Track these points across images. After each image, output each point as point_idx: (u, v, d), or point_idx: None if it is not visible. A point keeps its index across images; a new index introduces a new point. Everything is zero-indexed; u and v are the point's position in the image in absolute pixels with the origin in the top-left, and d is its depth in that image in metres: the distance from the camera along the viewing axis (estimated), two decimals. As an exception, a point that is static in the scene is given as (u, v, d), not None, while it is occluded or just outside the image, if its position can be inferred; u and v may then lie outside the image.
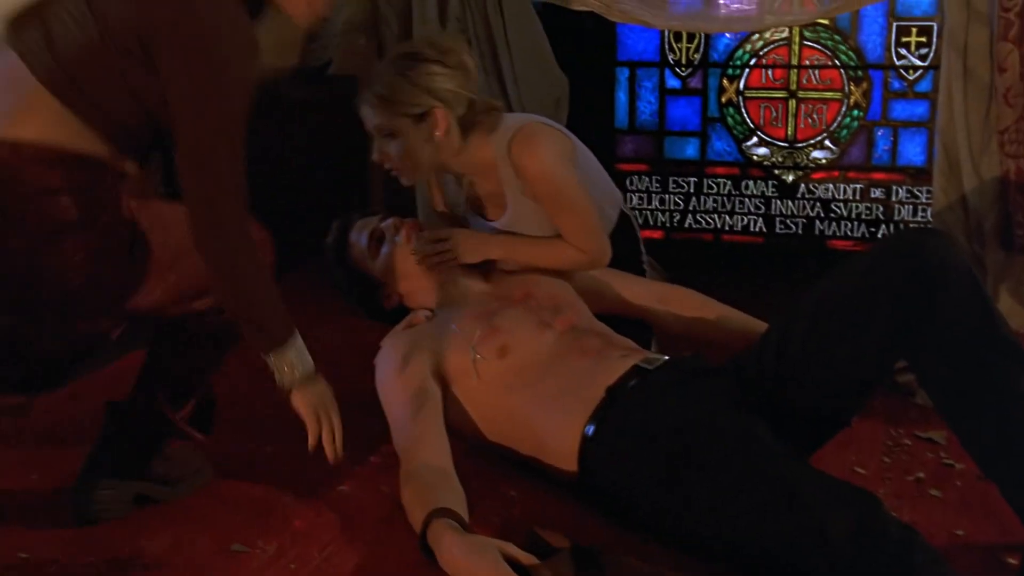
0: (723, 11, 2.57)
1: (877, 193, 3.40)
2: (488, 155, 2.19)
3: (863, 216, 3.43)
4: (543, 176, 2.15)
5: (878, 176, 3.40)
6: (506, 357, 1.99)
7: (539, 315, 2.07)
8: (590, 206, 2.20)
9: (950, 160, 2.36)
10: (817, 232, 3.48)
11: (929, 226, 1.73)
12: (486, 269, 2.28)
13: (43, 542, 1.78)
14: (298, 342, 1.75)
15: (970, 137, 2.30)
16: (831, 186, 3.45)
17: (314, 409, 1.78)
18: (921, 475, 2.01)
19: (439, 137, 2.13)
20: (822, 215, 3.47)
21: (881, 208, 3.40)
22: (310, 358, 1.79)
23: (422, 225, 2.22)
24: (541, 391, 1.94)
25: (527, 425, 1.95)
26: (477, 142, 2.19)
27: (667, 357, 1.97)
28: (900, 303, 1.69)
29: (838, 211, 3.45)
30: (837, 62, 3.37)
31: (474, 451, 2.08)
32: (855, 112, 3.39)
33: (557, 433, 1.90)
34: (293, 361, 1.74)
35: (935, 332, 1.67)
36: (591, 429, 1.83)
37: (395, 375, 2.01)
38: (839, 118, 3.41)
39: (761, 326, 2.16)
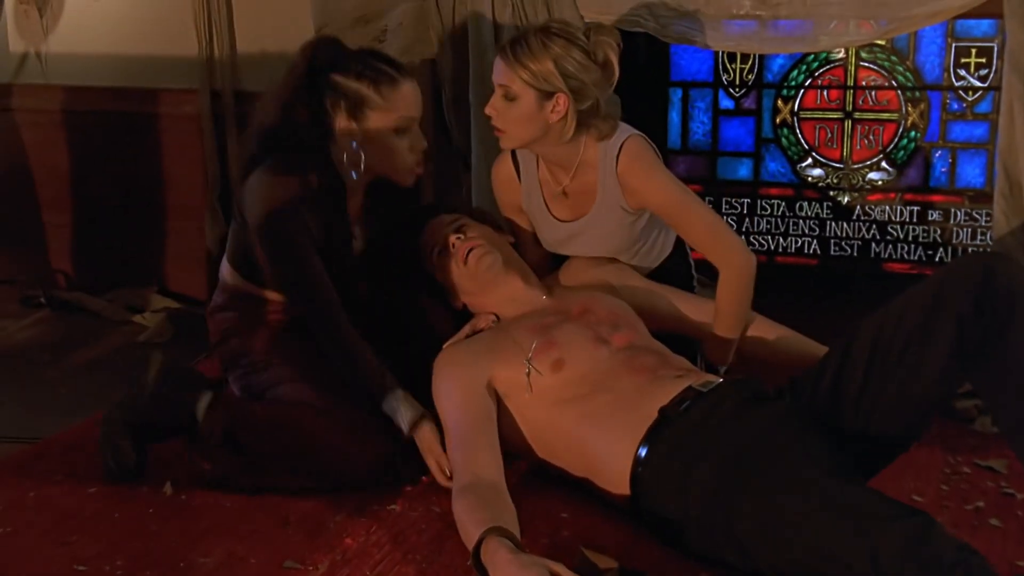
0: (778, 32, 2.55)
1: (935, 215, 3.36)
2: (591, 158, 2.26)
3: (920, 239, 3.38)
4: (668, 200, 2.25)
5: (936, 198, 3.36)
6: (560, 371, 2.00)
7: (597, 331, 2.07)
8: (704, 206, 2.30)
9: (1011, 183, 2.33)
10: (873, 255, 3.44)
11: (992, 251, 1.70)
12: (548, 283, 2.30)
13: (99, 555, 1.81)
14: (397, 395, 2.07)
15: (1033, 158, 2.28)
16: (887, 208, 3.41)
17: (426, 452, 2.05)
18: (981, 504, 1.98)
19: (553, 120, 2.19)
20: (878, 237, 3.44)
21: (939, 231, 3.35)
22: (416, 405, 2.07)
23: (486, 246, 2.22)
24: (594, 408, 1.95)
25: (579, 444, 1.96)
26: (586, 142, 2.26)
27: (721, 379, 1.96)
28: (967, 329, 1.68)
29: (894, 233, 3.41)
30: (894, 83, 3.34)
31: (526, 470, 2.09)
32: (912, 133, 3.35)
33: (609, 453, 1.90)
34: (396, 409, 2.06)
35: (1004, 360, 1.65)
36: (643, 451, 1.83)
37: (453, 386, 2.04)
38: (896, 139, 3.37)
39: (819, 348, 2.15)
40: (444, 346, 2.17)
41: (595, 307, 2.16)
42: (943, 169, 3.35)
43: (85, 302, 3.49)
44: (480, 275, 2.20)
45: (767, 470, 1.68)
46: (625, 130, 2.30)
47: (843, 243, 3.48)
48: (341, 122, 2.19)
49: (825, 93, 3.42)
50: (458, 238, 2.23)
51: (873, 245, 3.44)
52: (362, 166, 2.18)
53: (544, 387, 2.00)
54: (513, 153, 2.39)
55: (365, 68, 2.19)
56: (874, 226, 3.44)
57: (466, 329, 2.21)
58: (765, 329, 2.33)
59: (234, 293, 2.31)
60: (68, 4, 3.59)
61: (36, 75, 3.67)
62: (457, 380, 2.04)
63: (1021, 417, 1.65)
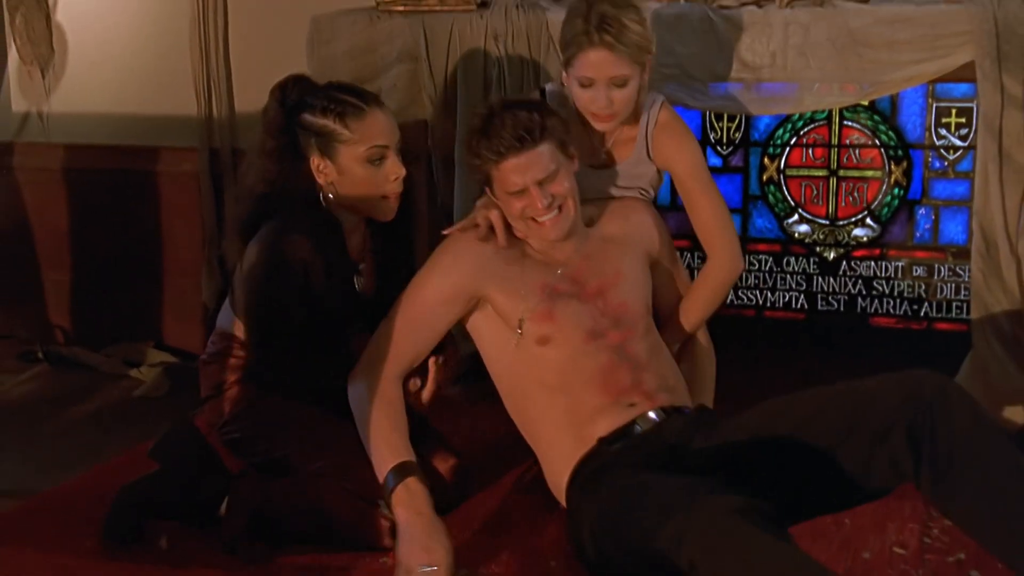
0: (762, 93, 2.63)
1: (919, 271, 3.43)
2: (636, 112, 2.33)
3: (905, 294, 3.45)
4: (693, 169, 2.37)
5: (920, 254, 3.43)
6: (543, 347, 2.07)
7: (597, 321, 2.12)
8: (719, 196, 2.42)
9: (987, 241, 2.40)
10: (859, 309, 3.50)
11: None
12: (590, 212, 2.32)
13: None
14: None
15: (1007, 218, 2.36)
16: (873, 264, 3.48)
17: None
18: (962, 556, 2.01)
19: (646, 83, 2.28)
20: (864, 292, 3.50)
21: (923, 286, 3.42)
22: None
23: (567, 206, 2.18)
24: (552, 410, 2.07)
25: (533, 435, 2.13)
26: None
27: (679, 407, 2.07)
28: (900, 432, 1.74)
29: (880, 289, 3.47)
30: (877, 142, 3.43)
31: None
32: (896, 191, 3.43)
33: (553, 461, 2.07)
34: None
35: (939, 460, 1.71)
36: (576, 474, 1.95)
37: (440, 278, 2.16)
38: (880, 196, 3.45)
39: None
40: (451, 231, 2.22)
41: (610, 294, 2.17)
42: (926, 226, 3.42)
43: (83, 357, 3.53)
44: (543, 236, 2.16)
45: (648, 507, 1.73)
46: (656, 94, 2.40)
47: (830, 298, 3.54)
48: (315, 161, 2.21)
49: (810, 151, 3.50)
50: (539, 189, 2.10)
51: (859, 300, 3.50)
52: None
53: (524, 354, 2.08)
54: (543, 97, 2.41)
55: (329, 102, 2.20)
56: (860, 281, 3.50)
57: (476, 218, 2.20)
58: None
59: (234, 342, 2.33)
60: (70, 65, 3.70)
61: (38, 134, 3.77)
62: (447, 276, 2.15)
63: (969, 510, 1.71)
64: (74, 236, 3.74)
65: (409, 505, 1.89)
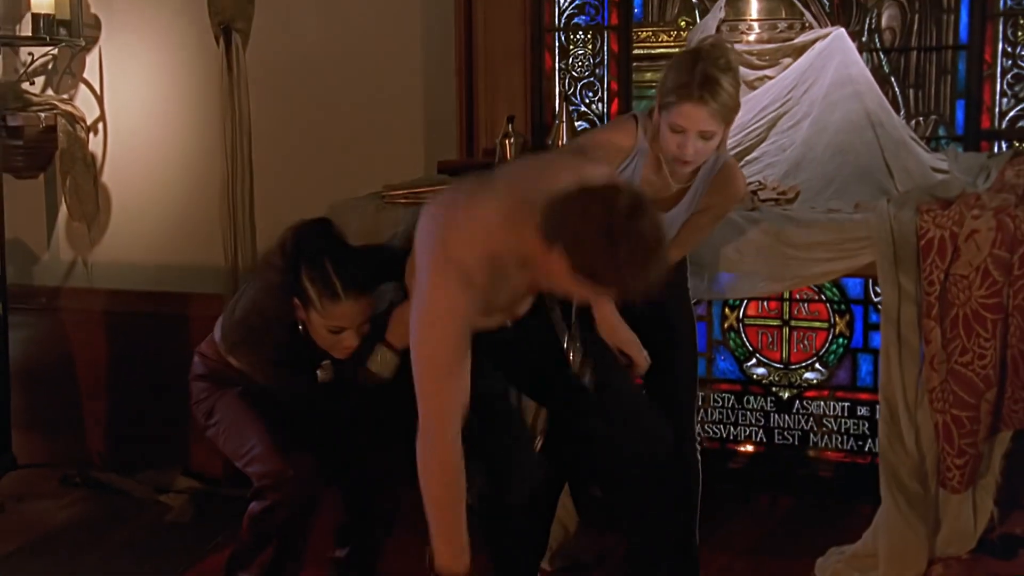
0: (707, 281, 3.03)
1: (863, 411, 3.81)
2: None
3: (851, 431, 3.84)
4: (730, 200, 2.61)
5: (863, 396, 3.81)
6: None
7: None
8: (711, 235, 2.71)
9: (891, 411, 2.80)
10: (811, 444, 3.89)
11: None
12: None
13: None
14: None
15: (906, 394, 2.75)
16: (822, 403, 3.87)
17: None
18: None
19: (726, 138, 2.50)
20: (815, 428, 3.89)
21: (867, 424, 3.81)
22: None
23: None
24: None
25: None
26: None
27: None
28: None
29: (829, 426, 3.86)
30: (823, 297, 3.85)
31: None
32: (840, 340, 3.83)
33: None
34: None
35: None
36: None
37: (454, 289, 2.00)
38: (827, 344, 3.85)
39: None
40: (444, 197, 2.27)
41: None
42: (868, 371, 3.81)
43: (117, 482, 3.87)
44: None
45: None
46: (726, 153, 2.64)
47: (785, 433, 3.92)
48: (296, 301, 2.48)
49: (765, 304, 3.90)
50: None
51: (811, 435, 3.89)
52: None
53: None
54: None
55: (317, 275, 2.44)
56: (811, 419, 3.89)
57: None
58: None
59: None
60: (113, 219, 4.07)
61: (82, 280, 4.13)
62: (461, 285, 2.01)
63: None
64: (111, 371, 4.09)
65: None
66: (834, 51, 3.18)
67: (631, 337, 2.56)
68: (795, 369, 3.89)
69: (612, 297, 2.32)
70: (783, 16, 3.43)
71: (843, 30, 3.30)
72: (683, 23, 3.78)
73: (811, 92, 3.17)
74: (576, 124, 3.62)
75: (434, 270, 2.01)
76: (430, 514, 2.04)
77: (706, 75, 2.35)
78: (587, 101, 3.95)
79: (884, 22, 3.67)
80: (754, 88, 3.29)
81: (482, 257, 2.00)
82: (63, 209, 4.09)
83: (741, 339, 3.95)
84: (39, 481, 3.92)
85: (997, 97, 3.57)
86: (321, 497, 2.69)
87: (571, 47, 3.95)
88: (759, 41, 3.41)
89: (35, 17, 3.74)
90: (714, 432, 3.98)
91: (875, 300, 3.76)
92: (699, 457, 2.93)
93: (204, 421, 2.77)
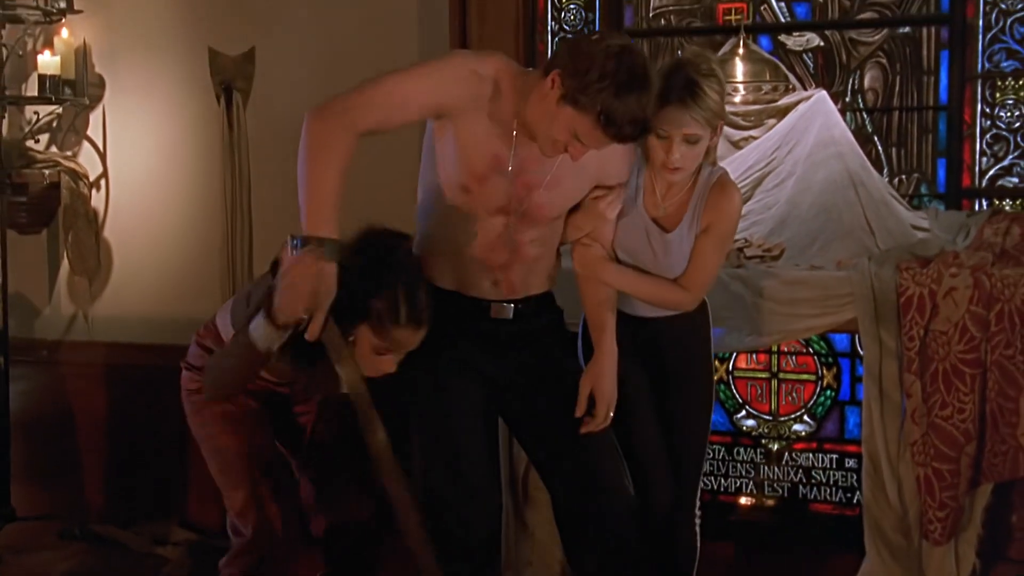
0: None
1: (851, 463, 3.85)
2: (697, 173, 2.50)
3: (839, 483, 3.89)
4: (729, 215, 2.50)
5: (850, 448, 3.84)
6: (464, 194, 2.42)
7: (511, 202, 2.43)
8: (721, 260, 2.57)
9: (874, 464, 2.86)
10: (800, 495, 3.93)
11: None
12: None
13: None
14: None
15: (888, 447, 2.82)
16: (810, 455, 3.91)
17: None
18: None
19: (714, 145, 2.47)
20: (804, 480, 3.94)
21: (855, 476, 3.86)
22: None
23: None
24: (447, 235, 2.50)
25: (426, 232, 2.59)
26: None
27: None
28: None
29: (817, 477, 3.91)
30: (811, 350, 3.92)
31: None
32: (828, 392, 3.89)
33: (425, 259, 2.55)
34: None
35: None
36: None
37: (431, 87, 2.31)
38: (815, 397, 3.90)
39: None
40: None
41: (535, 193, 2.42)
42: (855, 423, 3.86)
43: (115, 534, 3.90)
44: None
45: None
46: (720, 167, 2.58)
47: (774, 484, 3.97)
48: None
49: (754, 356, 3.96)
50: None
51: (800, 487, 3.94)
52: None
53: (451, 183, 2.41)
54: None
55: (388, 293, 2.32)
56: (800, 470, 3.94)
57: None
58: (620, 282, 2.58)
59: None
60: (113, 274, 4.11)
61: (82, 333, 4.16)
62: (436, 94, 2.33)
63: None
64: (110, 423, 4.12)
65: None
66: (816, 113, 3.29)
67: (611, 394, 2.54)
68: (784, 421, 3.94)
69: (597, 139, 2.24)
70: (768, 78, 3.54)
71: (825, 92, 3.41)
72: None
73: (795, 152, 3.27)
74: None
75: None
76: (309, 181, 2.21)
77: (688, 79, 2.36)
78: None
79: (867, 83, 3.80)
80: (740, 148, 3.39)
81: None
82: (65, 263, 4.14)
83: (731, 391, 4.01)
84: (38, 534, 3.93)
85: (977, 156, 3.69)
86: (298, 553, 2.76)
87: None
88: (744, 103, 3.51)
89: (41, 78, 3.84)
90: (706, 483, 3.97)
91: (861, 353, 3.80)
92: (697, 531, 2.80)
93: (197, 431, 2.83)
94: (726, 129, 3.29)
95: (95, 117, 4.11)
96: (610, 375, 2.56)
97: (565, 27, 4.09)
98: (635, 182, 2.54)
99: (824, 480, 3.89)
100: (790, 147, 3.29)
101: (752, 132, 3.41)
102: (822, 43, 3.82)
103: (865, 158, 3.35)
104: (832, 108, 3.35)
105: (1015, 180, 3.65)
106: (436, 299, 2.42)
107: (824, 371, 3.90)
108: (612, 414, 2.55)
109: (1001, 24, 3.63)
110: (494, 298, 2.49)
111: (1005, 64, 3.64)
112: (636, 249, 2.56)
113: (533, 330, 2.55)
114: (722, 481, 4.02)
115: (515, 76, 2.35)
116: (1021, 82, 3.62)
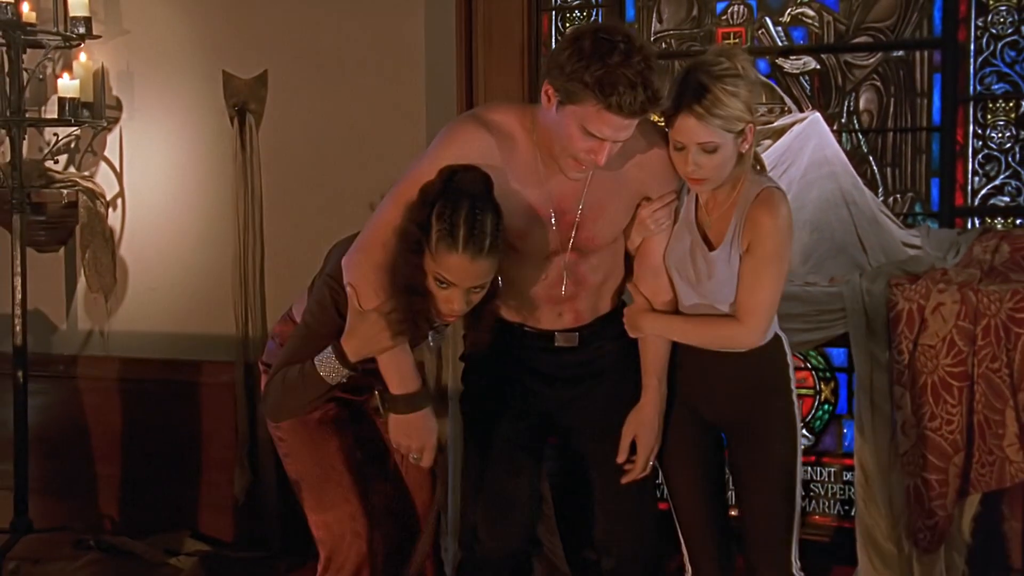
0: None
1: (848, 476, 3.92)
2: (739, 183, 2.29)
3: (838, 496, 3.96)
4: (770, 233, 2.23)
5: (848, 462, 3.90)
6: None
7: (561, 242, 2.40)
8: (780, 286, 2.29)
9: (866, 475, 2.95)
10: (800, 508, 3.99)
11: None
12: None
13: None
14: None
15: (879, 458, 2.91)
16: (809, 469, 3.98)
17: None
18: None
19: (746, 151, 2.24)
20: (804, 494, 3.99)
21: (852, 489, 3.92)
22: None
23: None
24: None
25: None
26: (743, 173, 2.30)
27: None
28: None
29: (817, 491, 3.98)
30: (809, 365, 4.00)
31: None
32: (826, 406, 3.96)
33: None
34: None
35: None
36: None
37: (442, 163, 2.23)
38: (813, 411, 3.98)
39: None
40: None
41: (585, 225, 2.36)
42: (853, 437, 3.93)
43: (128, 545, 3.98)
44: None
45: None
46: (766, 179, 2.34)
47: (775, 497, 4.04)
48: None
49: (754, 371, 4.07)
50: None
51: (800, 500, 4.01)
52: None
53: None
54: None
55: (448, 214, 2.15)
56: (800, 484, 4.01)
57: None
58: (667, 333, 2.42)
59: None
60: (129, 290, 4.22)
61: (98, 348, 4.27)
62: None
63: None
64: (125, 436, 4.22)
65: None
66: (811, 134, 3.39)
67: (653, 443, 2.42)
68: (783, 435, 4.02)
69: (606, 121, 2.09)
70: (764, 101, 3.64)
71: (818, 114, 3.50)
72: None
73: (790, 172, 3.37)
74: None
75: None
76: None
77: (698, 84, 2.17)
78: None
79: (862, 104, 3.90)
80: (737, 168, 3.48)
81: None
82: (82, 281, 4.24)
83: (731, 406, 4.08)
84: (54, 544, 3.99)
85: (969, 176, 3.78)
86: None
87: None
88: (741, 124, 3.60)
89: (61, 100, 3.96)
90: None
91: (857, 368, 3.92)
92: None
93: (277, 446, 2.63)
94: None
95: (112, 138, 4.22)
96: (651, 423, 2.42)
97: (569, 50, 4.19)
98: (685, 194, 2.39)
99: (823, 493, 3.96)
100: (785, 167, 3.38)
101: (749, 153, 3.50)
102: (818, 66, 3.93)
103: (857, 177, 3.44)
104: (825, 129, 3.45)
105: (1006, 199, 3.74)
106: (498, 329, 2.40)
107: (822, 386, 3.97)
108: (653, 463, 2.44)
109: (992, 48, 3.73)
110: (559, 327, 2.44)
111: (996, 87, 3.74)
112: (682, 265, 2.37)
113: (601, 357, 2.48)
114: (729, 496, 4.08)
115: (522, 115, 2.28)
116: (1012, 104, 3.71)
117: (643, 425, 2.42)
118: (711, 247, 2.33)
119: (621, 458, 2.43)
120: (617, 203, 2.33)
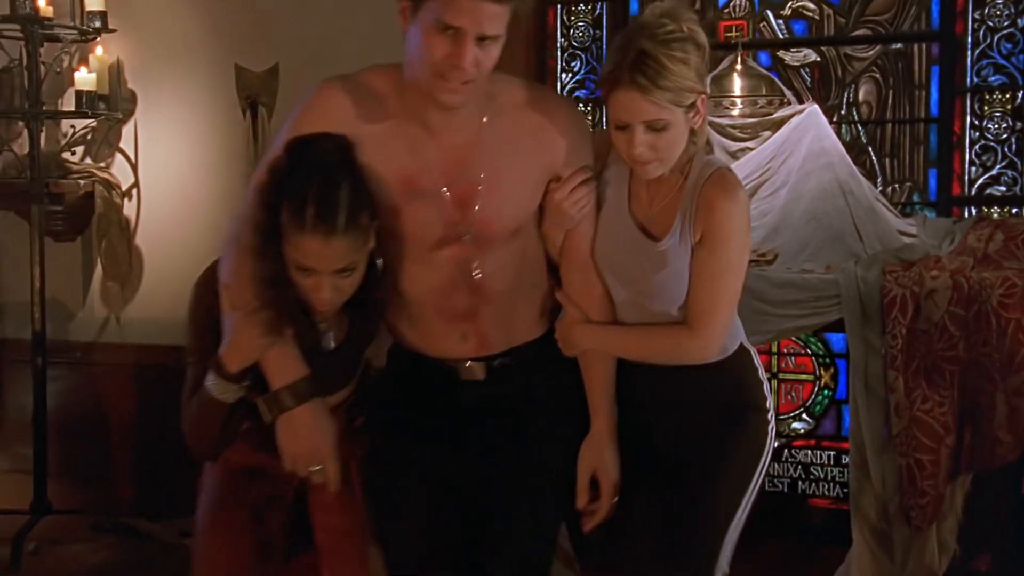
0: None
1: (847, 459, 4.00)
2: (687, 166, 1.98)
3: (837, 479, 4.05)
4: (728, 219, 1.92)
5: (847, 446, 4.00)
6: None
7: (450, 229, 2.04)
8: (739, 287, 1.97)
9: (860, 456, 3.03)
10: (799, 491, 4.09)
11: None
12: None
13: None
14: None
15: (872, 440, 2.99)
16: (809, 452, 4.08)
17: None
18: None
19: (699, 126, 1.93)
20: (803, 476, 4.10)
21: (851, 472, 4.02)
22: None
23: None
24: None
25: None
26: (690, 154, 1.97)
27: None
28: None
29: (816, 474, 4.07)
30: (809, 351, 4.09)
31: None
32: (826, 391, 4.06)
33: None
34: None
35: None
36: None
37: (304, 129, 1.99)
38: (813, 396, 4.08)
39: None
40: None
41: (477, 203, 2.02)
42: (852, 421, 4.05)
43: (145, 527, 4.07)
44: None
45: None
46: (716, 159, 2.09)
47: (775, 480, 4.13)
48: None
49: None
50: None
51: (799, 483, 4.10)
52: None
53: None
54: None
55: (296, 191, 1.87)
56: (799, 467, 4.11)
57: None
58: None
59: None
60: (144, 278, 4.30)
61: (114, 335, 4.35)
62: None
63: None
64: (141, 420, 4.32)
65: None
66: (809, 126, 3.47)
67: (616, 474, 2.05)
68: (783, 419, 4.11)
69: (463, 6, 1.82)
70: (764, 93, 3.72)
71: (816, 106, 3.58)
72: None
73: (788, 163, 3.45)
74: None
75: None
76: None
77: (640, 52, 1.85)
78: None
79: (861, 96, 3.98)
80: (737, 159, 3.57)
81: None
82: (98, 269, 4.32)
83: (732, 391, 4.17)
84: (72, 527, 4.06)
85: (966, 166, 3.86)
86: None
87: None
88: (741, 116, 3.69)
89: (78, 93, 4.05)
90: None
91: (857, 354, 4.00)
92: None
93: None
94: (723, 141, 3.50)
95: (127, 130, 4.30)
96: (610, 452, 2.05)
97: (574, 43, 4.28)
98: (617, 182, 2.06)
99: (822, 476, 4.06)
100: (784, 158, 3.46)
101: (748, 144, 3.59)
102: (818, 59, 4.01)
103: (854, 168, 3.52)
104: (823, 121, 3.53)
105: (1003, 189, 3.82)
106: (398, 362, 2.08)
107: (822, 371, 4.07)
108: (614, 498, 2.05)
109: (989, 40, 3.80)
110: (463, 356, 2.03)
111: (993, 78, 3.81)
112: (622, 265, 2.02)
113: (516, 393, 2.06)
114: (724, 477, 4.17)
115: (395, 73, 1.96)
116: (1008, 95, 3.79)
117: (600, 455, 2.04)
118: (655, 239, 2.00)
119: (581, 502, 2.05)
120: (515, 177, 1.97)
